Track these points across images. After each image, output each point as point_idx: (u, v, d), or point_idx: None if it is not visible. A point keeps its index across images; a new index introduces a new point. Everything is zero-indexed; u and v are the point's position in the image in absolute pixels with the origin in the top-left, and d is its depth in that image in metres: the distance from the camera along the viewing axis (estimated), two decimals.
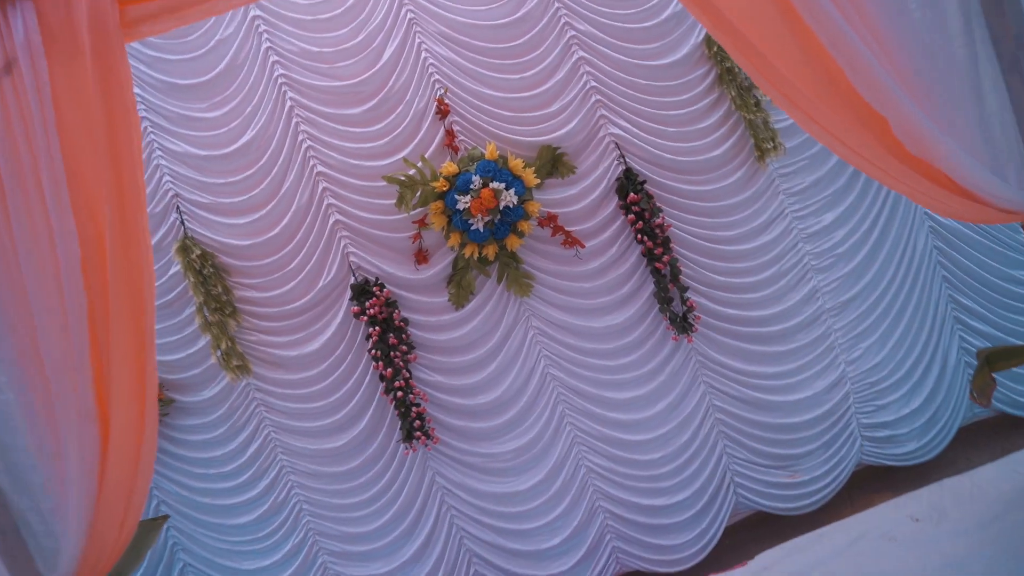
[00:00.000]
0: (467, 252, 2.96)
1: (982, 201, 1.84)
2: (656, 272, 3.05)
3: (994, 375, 2.21)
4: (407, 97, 2.96)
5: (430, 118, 2.98)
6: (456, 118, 3.00)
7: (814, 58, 1.76)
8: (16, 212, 1.68)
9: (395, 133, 2.96)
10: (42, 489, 1.82)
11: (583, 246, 3.03)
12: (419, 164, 2.91)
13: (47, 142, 1.66)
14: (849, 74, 1.72)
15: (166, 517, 2.34)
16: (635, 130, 3.06)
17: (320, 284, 2.99)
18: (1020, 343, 2.85)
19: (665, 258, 3.00)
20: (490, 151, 2.91)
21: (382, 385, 3.00)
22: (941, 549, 2.26)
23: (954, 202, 1.88)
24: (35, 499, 1.85)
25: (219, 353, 2.90)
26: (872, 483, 3.34)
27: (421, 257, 3.01)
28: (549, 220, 3.02)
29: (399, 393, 2.94)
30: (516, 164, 2.91)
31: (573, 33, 3.02)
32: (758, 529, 3.32)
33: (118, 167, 1.73)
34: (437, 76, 2.98)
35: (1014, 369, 3.21)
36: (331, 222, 3.01)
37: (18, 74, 1.69)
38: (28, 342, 1.72)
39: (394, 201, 2.91)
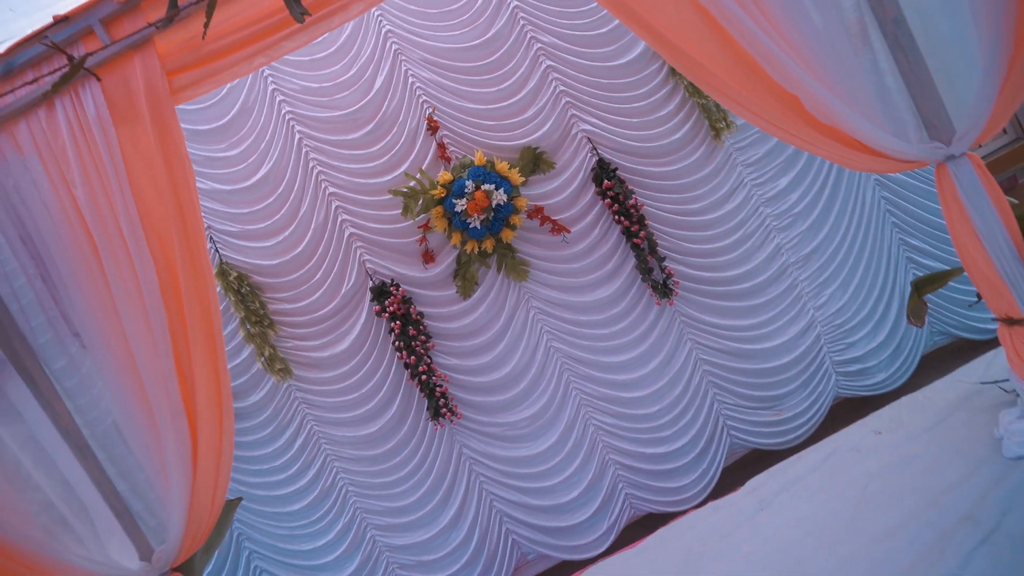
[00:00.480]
0: (468, 248, 3.34)
1: (887, 157, 2.23)
2: (635, 247, 3.43)
3: (925, 299, 2.60)
4: (400, 118, 3.34)
5: (422, 134, 3.36)
6: (445, 132, 3.38)
7: (733, 55, 2.14)
8: (104, 252, 2.06)
9: (393, 151, 3.34)
10: (148, 484, 2.20)
11: (569, 231, 3.41)
12: (418, 176, 3.29)
13: (121, 192, 2.05)
14: (764, 65, 2.10)
15: (240, 499, 2.71)
16: (603, 124, 3.44)
17: (343, 290, 3.38)
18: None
19: (642, 234, 3.39)
20: (478, 158, 3.29)
21: (407, 372, 3.39)
22: (896, 451, 2.66)
23: (865, 160, 2.26)
24: (144, 496, 2.24)
25: (263, 359, 3.29)
26: (849, 414, 3.69)
27: (428, 257, 3.40)
28: (536, 212, 3.40)
29: (423, 377, 3.33)
30: (502, 166, 3.29)
31: (539, 45, 3.40)
32: (753, 466, 3.67)
33: (180, 207, 2.10)
34: (424, 97, 3.36)
35: (973, 300, 3.62)
36: (346, 235, 3.39)
37: (91, 139, 2.08)
38: (125, 358, 2.11)
39: (400, 211, 3.29)
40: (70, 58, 1.90)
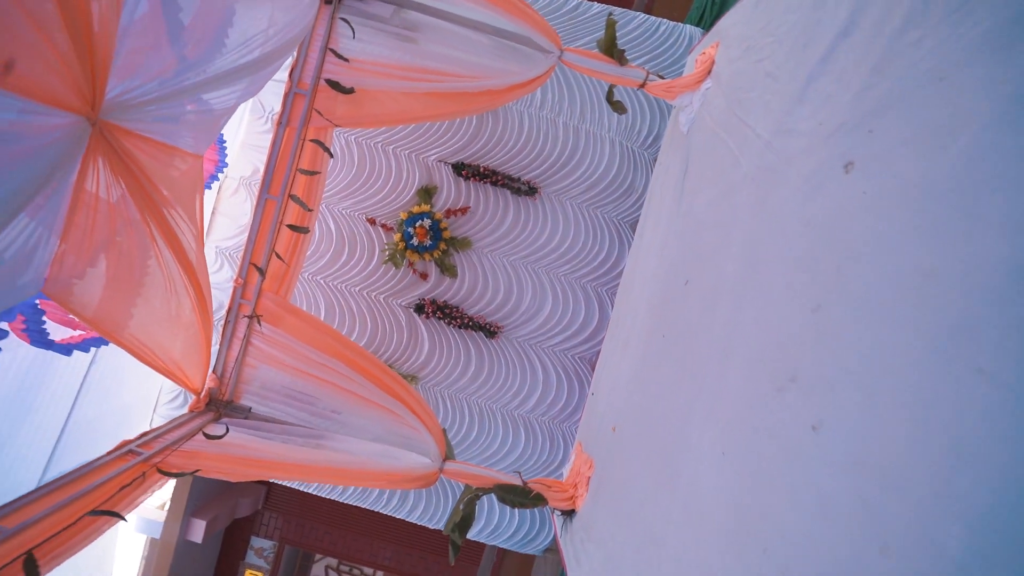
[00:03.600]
0: (435, 255, 5.67)
1: (544, 75, 4.54)
2: (503, 185, 5.74)
3: (617, 100, 4.90)
4: (355, 232, 5.67)
5: (370, 229, 5.70)
6: (380, 218, 5.70)
7: (449, 100, 4.44)
8: (325, 376, 4.43)
9: (364, 247, 5.66)
10: (405, 438, 4.59)
11: (469, 207, 5.73)
12: (386, 246, 5.63)
13: (316, 354, 4.41)
14: (469, 92, 4.41)
15: (444, 429, 5.09)
16: (440, 147, 5.72)
17: (403, 325, 5.73)
18: None
19: (500, 179, 5.70)
20: (403, 216, 5.61)
21: (461, 331, 5.76)
22: (660, 166, 4.99)
23: (534, 84, 4.57)
24: (400, 441, 4.62)
25: None
26: None
27: (423, 276, 5.74)
28: (448, 213, 5.72)
29: (470, 326, 5.69)
30: (416, 208, 5.61)
31: (379, 142, 5.70)
32: None
33: (334, 336, 4.46)
34: (356, 212, 5.69)
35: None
36: (381, 300, 5.75)
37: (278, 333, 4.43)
38: (359, 405, 4.48)
39: (393, 268, 5.64)
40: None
